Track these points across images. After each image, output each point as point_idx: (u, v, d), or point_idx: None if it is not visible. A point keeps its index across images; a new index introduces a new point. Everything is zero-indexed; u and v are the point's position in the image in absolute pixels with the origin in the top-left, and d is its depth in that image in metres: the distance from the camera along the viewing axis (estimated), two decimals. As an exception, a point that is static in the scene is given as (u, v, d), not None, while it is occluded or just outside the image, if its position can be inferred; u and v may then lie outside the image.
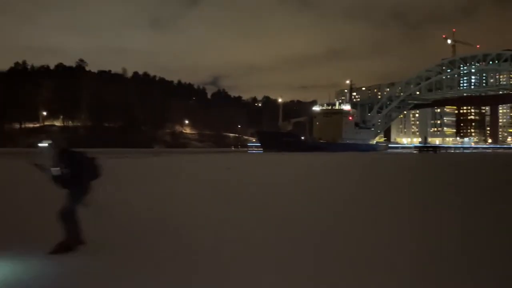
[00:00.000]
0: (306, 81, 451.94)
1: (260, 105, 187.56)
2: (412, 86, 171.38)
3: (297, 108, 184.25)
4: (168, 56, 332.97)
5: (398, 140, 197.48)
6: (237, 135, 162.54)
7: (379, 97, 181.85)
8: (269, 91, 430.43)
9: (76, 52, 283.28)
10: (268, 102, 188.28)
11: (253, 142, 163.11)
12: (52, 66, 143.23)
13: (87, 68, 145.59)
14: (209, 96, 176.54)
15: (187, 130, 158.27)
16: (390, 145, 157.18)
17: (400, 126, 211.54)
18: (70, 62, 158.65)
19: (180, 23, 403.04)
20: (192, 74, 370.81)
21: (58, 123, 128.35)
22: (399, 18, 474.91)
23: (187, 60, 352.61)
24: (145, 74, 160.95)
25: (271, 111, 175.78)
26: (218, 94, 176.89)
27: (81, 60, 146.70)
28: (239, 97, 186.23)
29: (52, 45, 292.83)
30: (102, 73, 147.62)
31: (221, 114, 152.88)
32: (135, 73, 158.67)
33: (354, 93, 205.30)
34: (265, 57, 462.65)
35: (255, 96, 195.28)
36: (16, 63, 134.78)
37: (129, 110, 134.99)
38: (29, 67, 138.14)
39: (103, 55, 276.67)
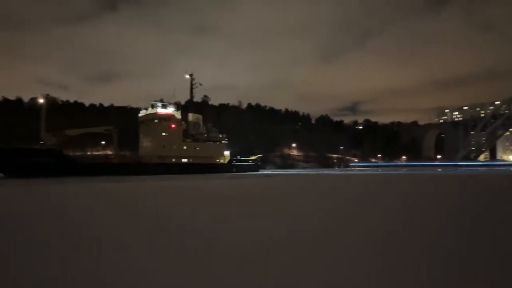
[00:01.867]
0: (458, 102, 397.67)
1: (361, 127, 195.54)
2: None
3: (397, 129, 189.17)
4: (320, 86, 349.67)
5: (505, 157, 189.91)
6: (339, 156, 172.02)
7: (482, 115, 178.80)
8: (412, 114, 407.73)
9: (243, 88, 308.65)
10: (369, 124, 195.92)
11: (355, 162, 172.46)
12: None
13: (210, 102, 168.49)
14: (313, 121, 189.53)
15: (294, 152, 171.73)
16: (495, 163, 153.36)
17: (507, 144, 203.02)
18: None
19: (348, 56, 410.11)
20: (331, 100, 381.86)
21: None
22: None
23: (334, 88, 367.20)
24: (257, 105, 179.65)
25: (372, 132, 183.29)
26: (321, 119, 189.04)
27: (205, 96, 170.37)
28: (341, 121, 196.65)
29: (229, 83, 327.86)
30: (221, 105, 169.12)
31: (324, 137, 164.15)
32: (249, 104, 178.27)
33: (456, 112, 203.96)
34: (411, 80, 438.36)
35: (356, 120, 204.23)
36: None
37: (244, 136, 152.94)
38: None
39: (266, 90, 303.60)
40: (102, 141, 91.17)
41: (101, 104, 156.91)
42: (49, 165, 56.04)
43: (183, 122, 73.15)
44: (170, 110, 71.27)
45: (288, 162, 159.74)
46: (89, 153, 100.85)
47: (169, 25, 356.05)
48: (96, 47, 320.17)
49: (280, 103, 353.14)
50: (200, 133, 75.77)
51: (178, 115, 72.06)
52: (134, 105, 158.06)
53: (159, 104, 71.12)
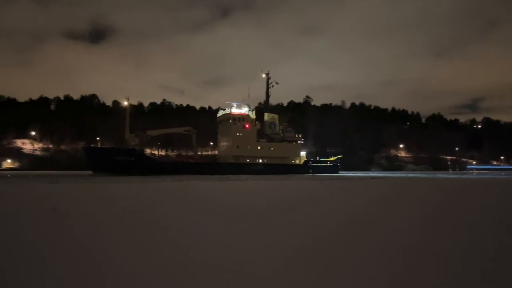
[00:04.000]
0: None
1: (479, 127, 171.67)
2: None
3: None
4: (433, 82, 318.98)
5: None
6: (454, 157, 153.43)
7: None
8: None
9: (347, 87, 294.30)
10: (489, 123, 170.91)
11: (472, 164, 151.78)
12: (285, 103, 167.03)
13: (312, 103, 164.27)
14: (423, 120, 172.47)
15: (402, 154, 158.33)
16: None
17: None
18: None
19: (468, 49, 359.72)
20: (446, 97, 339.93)
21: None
22: None
23: (449, 84, 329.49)
24: (361, 104, 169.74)
25: (493, 132, 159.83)
26: (433, 118, 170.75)
27: (308, 97, 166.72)
28: (456, 120, 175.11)
29: (333, 82, 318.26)
30: (323, 106, 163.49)
31: (436, 137, 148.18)
32: (352, 104, 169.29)
33: None
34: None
35: (473, 118, 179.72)
36: (259, 103, 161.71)
37: (347, 137, 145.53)
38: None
39: (371, 88, 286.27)
40: (184, 141, 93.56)
41: (209, 107, 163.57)
42: (130, 163, 58.59)
43: (257, 122, 70.97)
44: (244, 110, 69.68)
45: (395, 164, 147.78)
46: (175, 152, 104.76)
47: (276, 28, 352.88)
48: (210, 52, 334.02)
49: (386, 102, 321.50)
50: (276, 133, 72.71)
51: (252, 115, 70.07)
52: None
53: (234, 104, 69.98)
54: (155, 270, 4.24)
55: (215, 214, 8.80)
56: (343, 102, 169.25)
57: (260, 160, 69.56)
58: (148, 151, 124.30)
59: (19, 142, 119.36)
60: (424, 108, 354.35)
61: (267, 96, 76.15)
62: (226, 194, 16.05)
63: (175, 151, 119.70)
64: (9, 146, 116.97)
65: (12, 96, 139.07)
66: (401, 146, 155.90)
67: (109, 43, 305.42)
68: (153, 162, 65.58)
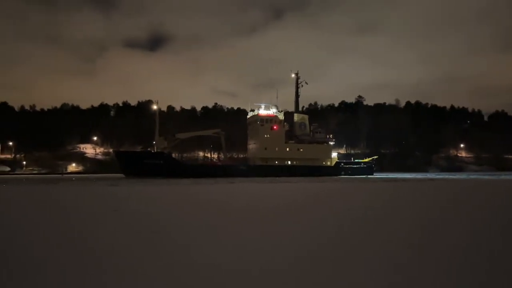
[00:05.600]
0: None
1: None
2: None
3: None
4: (497, 78, 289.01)
5: None
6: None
7: None
8: None
9: (402, 86, 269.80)
10: None
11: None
12: (336, 104, 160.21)
13: (364, 103, 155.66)
14: (485, 118, 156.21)
15: (463, 154, 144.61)
16: None
17: None
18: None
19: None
20: (509, 93, 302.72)
21: (342, 151, 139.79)
22: None
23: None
24: (417, 103, 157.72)
25: None
26: (496, 115, 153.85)
27: (360, 97, 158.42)
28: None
29: (387, 81, 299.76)
30: (376, 105, 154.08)
31: (500, 136, 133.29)
32: (408, 103, 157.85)
33: None
34: None
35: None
36: (310, 104, 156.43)
37: (402, 137, 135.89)
38: (319, 106, 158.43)
39: (428, 86, 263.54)
40: (213, 144, 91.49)
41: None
42: (158, 166, 57.68)
43: (285, 123, 66.94)
44: (272, 111, 66.07)
45: (455, 165, 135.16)
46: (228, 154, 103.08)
47: (330, 28, 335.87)
48: (262, 55, 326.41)
49: (444, 100, 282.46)
50: (306, 134, 68.12)
51: (281, 116, 66.25)
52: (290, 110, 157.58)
53: (262, 105, 66.65)
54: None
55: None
56: (398, 101, 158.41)
57: (289, 162, 65.58)
58: (200, 154, 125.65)
59: (82, 147, 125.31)
60: (486, 106, 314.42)
61: (297, 96, 71.65)
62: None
63: (232, 153, 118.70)
64: (74, 151, 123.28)
65: (76, 103, 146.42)
66: (462, 145, 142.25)
67: (166, 50, 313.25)
68: (181, 165, 64.28)
